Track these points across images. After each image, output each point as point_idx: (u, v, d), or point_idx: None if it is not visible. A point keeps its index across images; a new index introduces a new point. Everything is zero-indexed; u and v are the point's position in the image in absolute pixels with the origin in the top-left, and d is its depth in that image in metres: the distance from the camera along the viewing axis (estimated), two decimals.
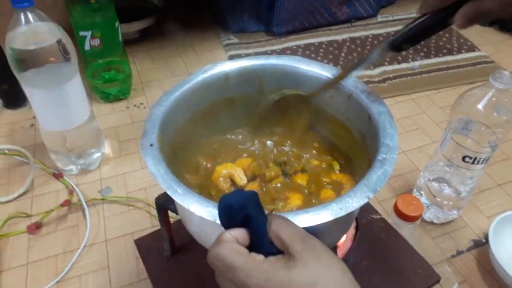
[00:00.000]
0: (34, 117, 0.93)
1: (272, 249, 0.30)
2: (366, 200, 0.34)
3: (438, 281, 0.54)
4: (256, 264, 0.29)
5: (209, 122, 0.51)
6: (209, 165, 0.50)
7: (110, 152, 0.86)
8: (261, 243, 0.30)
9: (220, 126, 0.53)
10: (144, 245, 0.58)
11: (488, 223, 0.72)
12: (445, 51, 1.16)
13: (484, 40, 1.22)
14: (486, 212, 0.76)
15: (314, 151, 0.52)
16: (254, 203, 0.31)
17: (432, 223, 0.73)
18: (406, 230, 0.62)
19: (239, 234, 0.31)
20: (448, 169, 0.68)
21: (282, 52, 1.15)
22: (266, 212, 0.32)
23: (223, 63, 0.49)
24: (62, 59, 0.65)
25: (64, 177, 0.79)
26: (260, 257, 0.29)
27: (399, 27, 1.31)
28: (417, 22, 0.39)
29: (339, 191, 0.47)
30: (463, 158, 0.63)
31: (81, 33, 0.86)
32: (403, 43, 0.41)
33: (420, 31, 0.40)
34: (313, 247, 0.29)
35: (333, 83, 0.47)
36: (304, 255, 0.28)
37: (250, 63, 0.49)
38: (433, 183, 0.71)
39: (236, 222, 0.31)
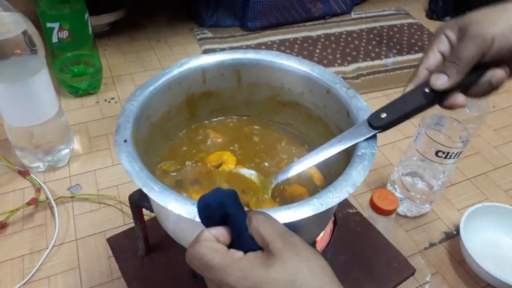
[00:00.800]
0: None
1: (254, 245, 0.30)
2: (346, 195, 0.34)
3: (413, 274, 0.55)
4: (234, 262, 0.28)
5: (185, 116, 0.50)
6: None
7: (79, 148, 0.83)
8: (242, 240, 0.30)
9: (197, 120, 0.51)
10: (117, 244, 0.57)
11: (459, 216, 0.74)
12: (416, 48, 1.18)
13: None
14: (457, 205, 0.78)
15: (283, 144, 0.51)
16: (233, 201, 0.31)
17: (405, 216, 0.74)
18: (381, 224, 0.63)
19: (219, 232, 0.30)
20: (421, 163, 0.70)
21: (257, 47, 1.14)
22: (246, 209, 0.31)
23: (199, 57, 0.48)
24: (28, 52, 0.62)
25: (31, 174, 0.76)
26: (239, 254, 0.29)
27: (372, 24, 1.32)
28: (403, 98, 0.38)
29: (310, 184, 0.47)
30: (436, 153, 0.64)
31: (48, 25, 0.82)
32: (380, 114, 0.38)
33: (398, 102, 0.38)
34: (292, 243, 0.29)
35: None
36: (283, 252, 0.28)
37: (227, 57, 0.48)
38: (407, 177, 0.72)
39: (215, 221, 0.31)
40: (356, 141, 0.38)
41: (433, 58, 0.38)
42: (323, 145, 0.39)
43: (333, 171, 0.47)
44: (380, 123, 0.38)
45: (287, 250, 0.28)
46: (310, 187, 0.46)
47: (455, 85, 0.36)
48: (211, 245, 0.29)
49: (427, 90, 0.37)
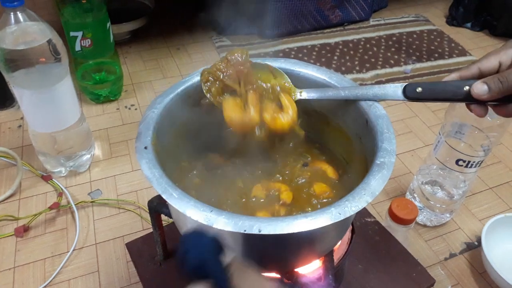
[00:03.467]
0: (22, 118, 0.91)
1: None
2: (364, 204, 0.34)
3: (432, 285, 0.54)
4: None
5: (204, 124, 0.50)
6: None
7: (100, 154, 0.84)
8: None
9: (216, 129, 0.52)
10: (136, 249, 0.57)
11: (480, 226, 0.72)
12: (436, 55, 1.17)
13: (475, 45, 1.23)
14: (478, 215, 0.76)
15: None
16: (214, 255, 0.29)
17: (425, 226, 0.73)
18: (400, 233, 0.62)
19: None
20: (441, 172, 0.68)
21: (274, 55, 1.14)
22: (227, 260, 0.30)
23: None
24: (53, 60, 0.64)
25: (53, 179, 0.78)
26: None
27: (391, 31, 1.31)
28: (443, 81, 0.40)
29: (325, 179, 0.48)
30: (457, 162, 0.63)
31: (72, 34, 0.84)
32: (416, 88, 0.41)
33: (436, 86, 0.40)
34: None
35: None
36: None
37: None
38: (426, 186, 0.71)
39: (196, 274, 0.29)
40: (387, 98, 0.42)
41: (491, 63, 0.39)
42: (354, 89, 0.44)
43: (350, 173, 0.48)
44: (413, 95, 0.41)
45: None
46: (328, 182, 0.47)
47: (491, 100, 0.37)
48: None
49: (466, 88, 0.38)
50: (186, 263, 0.29)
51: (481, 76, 0.39)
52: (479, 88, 0.37)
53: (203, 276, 0.29)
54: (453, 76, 0.40)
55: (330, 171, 0.49)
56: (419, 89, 0.40)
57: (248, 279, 0.30)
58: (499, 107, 0.39)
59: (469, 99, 0.38)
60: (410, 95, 0.41)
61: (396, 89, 0.42)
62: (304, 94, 0.46)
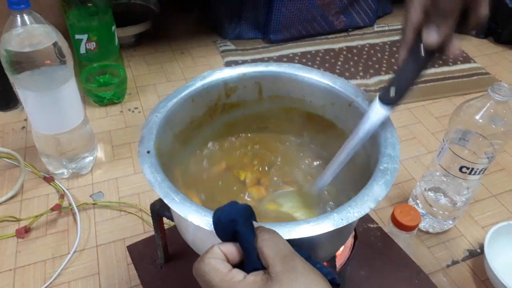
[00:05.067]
0: (25, 120, 0.92)
1: (260, 265, 0.29)
2: (367, 210, 0.33)
3: None
4: (232, 284, 0.28)
5: (207, 128, 0.50)
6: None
7: (102, 156, 0.85)
8: (250, 259, 0.30)
9: (219, 132, 0.52)
10: (137, 252, 0.57)
11: (483, 233, 0.72)
12: (441, 62, 1.17)
13: (479, 52, 1.23)
14: (481, 222, 0.76)
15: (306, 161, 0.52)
16: (244, 218, 0.31)
17: (427, 232, 0.73)
18: (402, 240, 0.62)
19: (229, 249, 0.30)
20: (444, 179, 0.68)
21: (278, 60, 1.14)
22: (257, 225, 0.31)
23: (222, 69, 0.49)
24: (58, 62, 0.64)
25: (55, 181, 0.78)
26: (239, 276, 0.29)
27: (396, 37, 1.31)
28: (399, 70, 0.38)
29: None
30: (460, 169, 0.63)
31: (77, 36, 0.85)
32: (389, 89, 0.39)
33: (401, 73, 0.38)
34: (293, 268, 0.28)
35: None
36: (282, 277, 0.27)
37: (249, 70, 0.49)
38: (429, 192, 0.71)
39: (227, 236, 0.31)
40: (377, 124, 0.39)
41: (416, 15, 0.36)
42: (346, 144, 0.41)
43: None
44: (392, 99, 0.38)
45: (286, 275, 0.27)
46: None
47: (449, 34, 0.35)
48: (214, 263, 0.29)
49: (422, 52, 0.36)
50: (218, 226, 0.31)
51: (419, 32, 0.36)
52: (429, 36, 0.35)
53: (233, 237, 0.31)
54: (402, 53, 0.38)
55: None
56: (392, 91, 0.38)
57: (274, 243, 0.30)
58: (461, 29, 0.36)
59: (434, 54, 0.36)
60: (389, 102, 0.39)
61: (375, 109, 0.39)
62: (317, 186, 0.45)
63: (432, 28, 0.34)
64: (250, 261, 0.30)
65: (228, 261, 0.30)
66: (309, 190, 0.47)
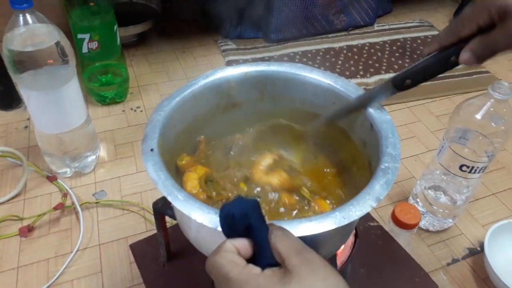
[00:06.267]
0: (28, 119, 0.92)
1: (273, 260, 0.30)
2: (369, 209, 0.34)
3: None
4: (251, 278, 0.28)
5: (209, 127, 0.51)
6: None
7: (105, 156, 0.85)
8: (263, 254, 0.30)
9: (221, 131, 0.52)
10: (140, 250, 0.58)
11: (483, 232, 0.72)
12: None
13: None
14: (481, 220, 0.76)
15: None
16: (256, 213, 0.31)
17: (427, 230, 0.73)
18: (403, 238, 0.62)
19: (241, 244, 0.30)
20: (444, 177, 0.69)
21: (279, 59, 1.15)
22: (267, 221, 0.32)
23: (224, 69, 0.49)
24: (60, 62, 0.65)
25: (58, 180, 0.78)
26: (257, 270, 0.29)
27: (396, 36, 1.32)
28: (421, 60, 0.40)
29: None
30: (460, 167, 0.64)
31: (79, 36, 0.85)
32: (405, 79, 0.41)
33: (423, 69, 0.40)
34: (310, 261, 0.28)
35: (333, 120, 0.48)
36: (300, 270, 0.28)
37: (251, 69, 0.49)
38: (429, 191, 0.71)
39: (238, 232, 0.31)
40: (383, 97, 0.43)
41: (470, 29, 0.36)
42: (351, 100, 0.45)
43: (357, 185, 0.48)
44: (404, 86, 0.41)
45: (303, 267, 0.28)
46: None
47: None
48: (231, 257, 0.29)
49: (452, 59, 0.37)
50: (230, 220, 0.30)
51: (460, 39, 0.37)
52: (467, 57, 0.36)
53: (243, 232, 0.30)
54: (433, 47, 0.39)
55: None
56: (407, 82, 0.41)
57: (287, 238, 0.30)
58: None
59: (457, 65, 0.38)
60: (400, 88, 0.41)
61: (385, 87, 0.42)
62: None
63: (473, 52, 0.36)
64: (264, 256, 0.30)
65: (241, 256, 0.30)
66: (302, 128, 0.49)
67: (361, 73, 1.11)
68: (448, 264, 0.69)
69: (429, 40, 1.26)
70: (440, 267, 0.68)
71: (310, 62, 1.14)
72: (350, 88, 0.47)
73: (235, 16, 1.20)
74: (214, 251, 0.30)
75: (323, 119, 0.48)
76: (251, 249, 0.30)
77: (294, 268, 0.28)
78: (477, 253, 0.71)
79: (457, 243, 0.72)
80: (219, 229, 0.32)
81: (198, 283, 0.52)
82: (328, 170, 0.50)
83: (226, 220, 0.31)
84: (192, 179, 0.46)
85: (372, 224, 0.62)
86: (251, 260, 0.30)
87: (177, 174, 0.47)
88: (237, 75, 0.49)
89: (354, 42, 1.23)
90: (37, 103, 0.68)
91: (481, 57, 0.35)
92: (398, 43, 1.24)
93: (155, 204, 0.48)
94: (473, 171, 0.63)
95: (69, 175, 0.80)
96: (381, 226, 0.61)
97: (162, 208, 0.48)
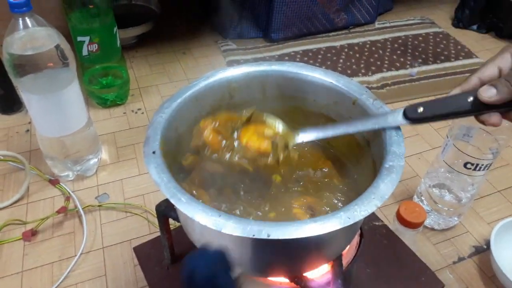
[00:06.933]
0: (29, 123, 0.92)
1: None
2: (374, 209, 0.33)
3: None
4: None
5: None
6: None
7: (107, 158, 0.85)
8: None
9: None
10: (143, 253, 0.57)
11: (489, 229, 0.72)
12: (442, 57, 1.16)
13: (481, 47, 1.22)
14: (487, 218, 0.75)
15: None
16: (224, 269, 0.28)
17: (432, 229, 0.73)
18: (408, 237, 0.62)
19: None
20: (449, 175, 0.68)
21: (280, 58, 1.14)
22: (236, 273, 0.30)
23: (225, 69, 0.49)
24: (61, 65, 0.65)
25: (61, 183, 0.78)
26: None
27: (397, 34, 1.31)
28: (448, 97, 0.38)
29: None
30: (465, 165, 0.63)
31: (79, 38, 0.85)
32: (418, 107, 0.39)
33: (439, 102, 0.39)
34: None
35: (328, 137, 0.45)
36: None
37: (252, 70, 0.49)
38: (434, 189, 0.71)
39: None
40: (388, 126, 0.40)
41: (490, 71, 0.38)
42: (353, 121, 0.42)
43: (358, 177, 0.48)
44: (415, 115, 0.39)
45: None
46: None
47: (501, 103, 0.36)
48: None
49: (471, 99, 0.37)
50: (194, 281, 0.28)
51: (482, 85, 0.37)
52: (487, 91, 0.36)
53: None
54: (455, 90, 0.39)
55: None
56: (420, 109, 0.39)
57: None
58: (509, 112, 0.37)
59: (476, 109, 0.37)
60: (412, 116, 0.39)
61: (395, 114, 0.40)
62: (302, 136, 0.44)
63: (493, 89, 0.36)
64: None
65: None
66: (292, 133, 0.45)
67: (363, 71, 1.10)
68: (454, 263, 0.68)
69: (430, 36, 1.25)
70: (446, 266, 0.68)
71: (311, 61, 1.14)
72: (352, 86, 0.47)
73: (235, 16, 1.19)
74: None
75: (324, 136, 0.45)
76: None
77: None
78: (483, 251, 0.70)
79: (462, 241, 0.72)
80: (223, 231, 0.32)
81: None
82: (326, 170, 0.50)
83: (189, 279, 0.28)
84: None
85: (377, 223, 0.61)
86: None
87: (183, 175, 0.47)
88: (238, 76, 0.49)
89: (355, 41, 1.23)
90: (38, 107, 0.68)
91: (501, 92, 0.35)
92: (400, 41, 1.23)
93: (158, 207, 0.48)
94: (477, 168, 0.63)
95: (71, 178, 0.79)
96: (386, 226, 0.61)
97: (166, 211, 0.48)
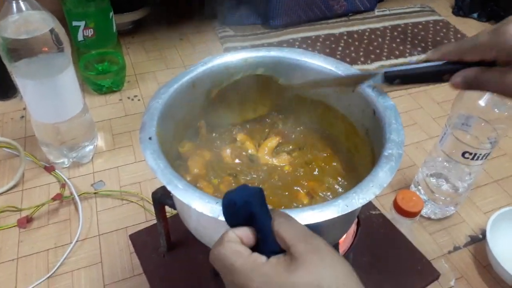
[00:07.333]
0: (24, 109, 0.91)
1: (277, 248, 0.29)
2: (372, 197, 0.33)
3: (437, 278, 0.54)
4: (256, 266, 0.27)
5: (209, 114, 0.49)
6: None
7: (103, 145, 0.84)
8: (267, 242, 0.29)
9: (219, 119, 0.51)
10: (139, 241, 0.57)
11: (485, 219, 0.72)
12: None
13: None
14: (483, 208, 0.76)
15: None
16: (259, 201, 0.30)
17: (429, 218, 0.73)
18: (405, 226, 0.62)
19: (244, 233, 0.30)
20: (447, 164, 0.68)
21: (278, 45, 1.13)
22: (270, 208, 0.31)
23: (223, 55, 0.48)
24: (55, 49, 0.63)
25: (56, 170, 0.77)
26: (262, 259, 0.28)
27: (397, 22, 1.30)
28: (418, 65, 0.40)
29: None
30: (463, 154, 0.63)
31: (74, 23, 0.84)
32: (395, 78, 0.41)
33: (415, 75, 0.40)
34: (316, 247, 0.28)
35: (319, 85, 0.48)
36: (306, 257, 0.27)
37: (251, 55, 0.48)
38: (431, 178, 0.71)
39: (240, 220, 0.30)
40: (370, 81, 0.43)
41: (472, 56, 0.36)
42: (342, 75, 0.46)
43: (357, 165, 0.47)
44: (393, 83, 0.42)
45: (310, 254, 0.27)
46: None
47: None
48: (235, 247, 0.29)
49: (444, 77, 0.38)
50: (232, 209, 0.30)
51: (462, 62, 0.37)
52: (458, 82, 0.36)
53: (245, 220, 0.30)
54: (436, 55, 0.39)
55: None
56: (397, 81, 0.41)
57: (291, 225, 0.29)
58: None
59: (446, 82, 0.38)
60: (389, 81, 0.42)
61: (377, 73, 0.43)
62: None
63: (465, 80, 0.36)
64: (268, 244, 0.29)
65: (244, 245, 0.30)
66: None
67: (362, 59, 1.09)
68: (450, 252, 0.69)
69: (430, 25, 1.24)
70: (442, 255, 0.68)
71: (310, 49, 1.12)
72: (352, 73, 0.46)
73: (233, 2, 1.18)
74: (217, 242, 0.29)
75: (311, 81, 0.48)
76: (254, 237, 0.30)
77: (300, 256, 0.27)
78: (479, 241, 0.70)
79: (459, 230, 0.72)
80: (220, 218, 0.32)
81: (199, 272, 0.52)
82: (326, 154, 0.49)
83: (228, 208, 0.30)
84: (198, 162, 0.46)
85: (374, 212, 0.61)
86: (255, 248, 0.29)
87: (180, 161, 0.46)
88: (236, 62, 0.48)
89: (354, 28, 1.22)
90: (32, 92, 0.67)
91: (470, 88, 0.36)
92: (399, 29, 1.22)
93: (154, 194, 0.48)
94: (475, 158, 0.63)
95: (67, 165, 0.79)
96: (383, 215, 0.61)
97: (162, 198, 0.47)
